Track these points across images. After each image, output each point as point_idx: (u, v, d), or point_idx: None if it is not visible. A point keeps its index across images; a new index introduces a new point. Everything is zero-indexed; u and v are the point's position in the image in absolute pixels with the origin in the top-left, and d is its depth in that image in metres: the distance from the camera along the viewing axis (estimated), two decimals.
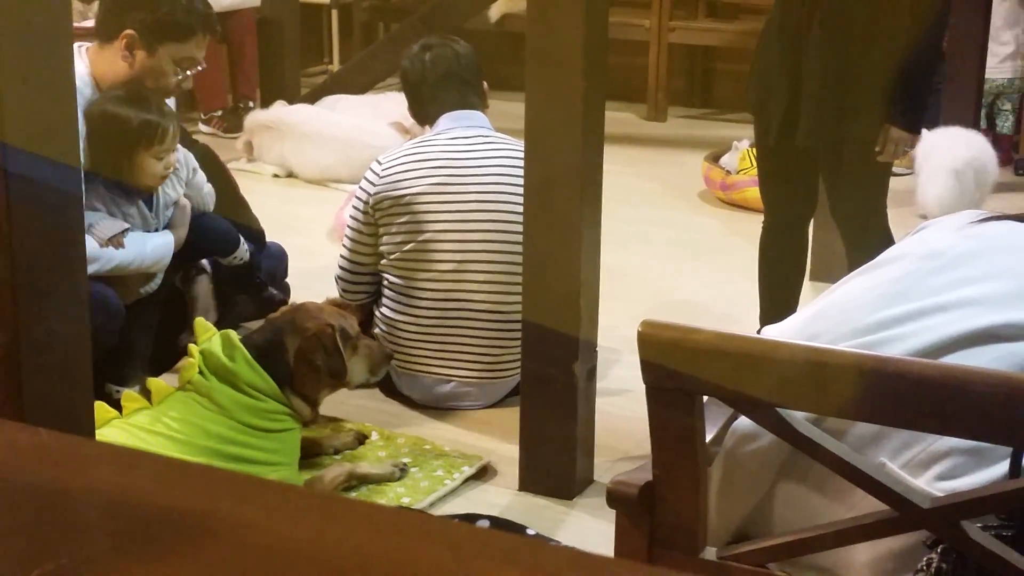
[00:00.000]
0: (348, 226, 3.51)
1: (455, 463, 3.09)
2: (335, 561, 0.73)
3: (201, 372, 2.83)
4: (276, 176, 5.75)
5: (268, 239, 3.84)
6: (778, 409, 1.52)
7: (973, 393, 1.40)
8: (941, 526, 1.50)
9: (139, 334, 3.34)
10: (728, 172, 5.36)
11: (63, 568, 0.73)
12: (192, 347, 2.88)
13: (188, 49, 3.29)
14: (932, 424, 1.48)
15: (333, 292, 3.61)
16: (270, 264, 3.80)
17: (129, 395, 2.85)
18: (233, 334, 2.92)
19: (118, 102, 3.24)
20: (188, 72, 3.34)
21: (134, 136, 3.20)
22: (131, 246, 3.22)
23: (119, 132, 3.20)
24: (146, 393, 2.86)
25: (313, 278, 3.99)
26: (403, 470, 3.02)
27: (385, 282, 3.46)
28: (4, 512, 0.80)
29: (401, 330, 3.42)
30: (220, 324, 3.24)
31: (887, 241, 3.22)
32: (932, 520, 1.49)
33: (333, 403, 3.20)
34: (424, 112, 3.58)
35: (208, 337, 2.87)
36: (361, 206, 3.44)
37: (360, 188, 3.48)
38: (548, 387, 2.94)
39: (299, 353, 2.88)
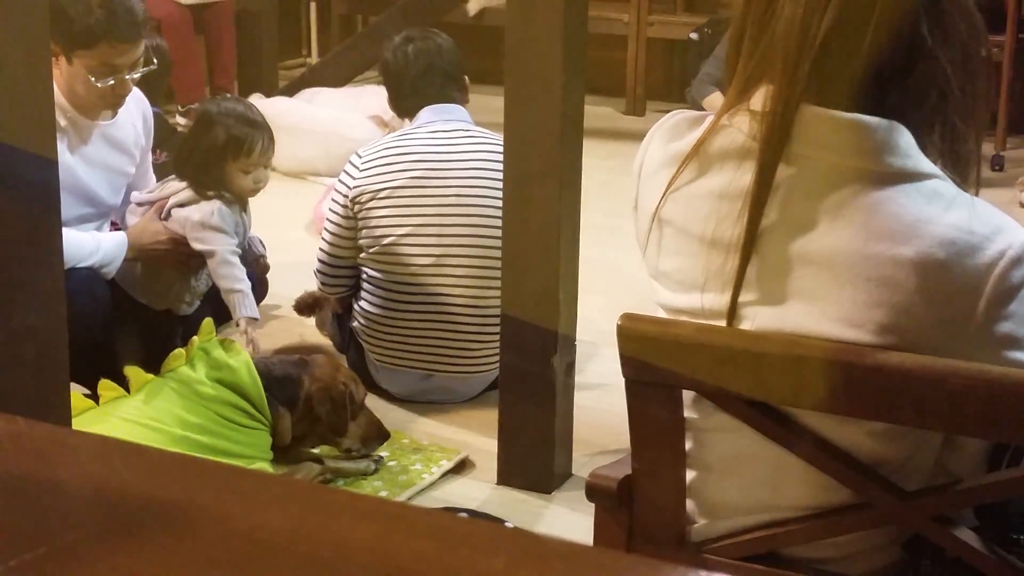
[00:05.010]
0: (327, 219, 3.50)
1: (433, 457, 3.08)
2: (316, 550, 0.73)
3: (191, 365, 2.83)
4: None
5: None
6: (757, 402, 1.52)
7: (951, 386, 1.40)
8: (917, 519, 1.51)
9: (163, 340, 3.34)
10: None
11: (42, 557, 0.72)
12: (194, 339, 2.88)
13: (98, 56, 3.11)
14: (910, 417, 1.48)
15: (312, 285, 3.61)
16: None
17: (106, 383, 2.84)
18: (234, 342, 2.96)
19: (217, 110, 3.38)
20: (109, 80, 3.13)
21: (221, 146, 3.31)
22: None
23: (209, 142, 3.33)
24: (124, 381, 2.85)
25: (292, 271, 3.98)
26: (378, 463, 3.02)
27: (364, 275, 3.45)
28: None
29: (380, 324, 3.41)
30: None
31: None
32: (908, 513, 1.50)
33: None
34: (404, 105, 3.57)
35: (210, 338, 2.88)
36: (340, 199, 3.43)
37: (339, 181, 3.47)
38: (527, 381, 2.94)
39: (307, 399, 2.89)
